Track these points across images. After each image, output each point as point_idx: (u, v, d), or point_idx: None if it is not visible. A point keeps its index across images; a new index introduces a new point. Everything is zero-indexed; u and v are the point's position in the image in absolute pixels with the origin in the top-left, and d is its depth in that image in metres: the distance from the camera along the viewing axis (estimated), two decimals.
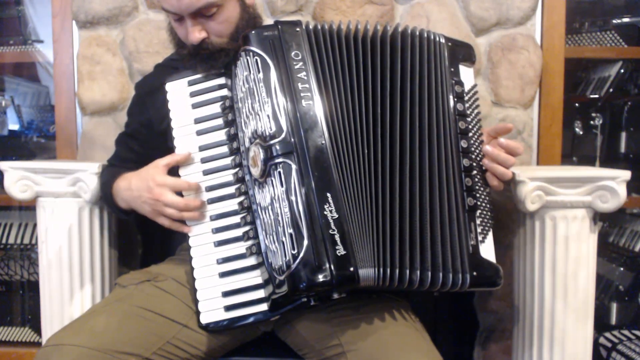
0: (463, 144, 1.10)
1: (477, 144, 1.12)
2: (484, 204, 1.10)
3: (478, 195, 1.10)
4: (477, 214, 1.09)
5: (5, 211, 2.14)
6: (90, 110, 1.82)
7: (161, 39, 1.78)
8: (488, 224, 1.10)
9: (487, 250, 1.09)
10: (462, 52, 1.16)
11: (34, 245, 2.05)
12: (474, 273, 1.05)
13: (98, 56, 1.80)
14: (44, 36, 2.09)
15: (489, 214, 1.11)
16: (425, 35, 1.12)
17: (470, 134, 1.11)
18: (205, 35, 1.13)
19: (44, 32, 2.10)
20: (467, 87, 1.14)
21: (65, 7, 1.84)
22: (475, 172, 1.10)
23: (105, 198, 1.31)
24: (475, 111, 1.14)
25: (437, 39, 1.13)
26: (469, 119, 1.12)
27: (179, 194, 1.13)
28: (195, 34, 1.12)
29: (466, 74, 1.16)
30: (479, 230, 1.08)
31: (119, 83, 1.80)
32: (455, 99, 1.11)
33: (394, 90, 1.07)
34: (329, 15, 1.76)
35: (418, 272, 1.02)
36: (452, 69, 1.13)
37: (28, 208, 2.08)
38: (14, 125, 2.24)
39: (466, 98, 1.13)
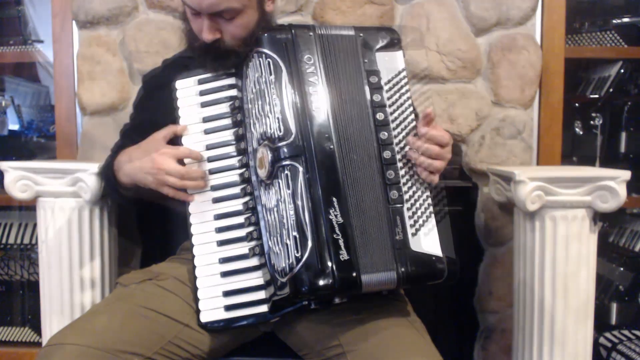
0: (382, 136, 1.06)
1: (404, 134, 1.08)
2: (417, 196, 1.06)
3: (407, 188, 1.06)
4: (408, 206, 1.05)
5: (5, 211, 2.13)
6: (90, 110, 1.82)
7: (161, 39, 1.78)
8: (425, 216, 1.06)
9: (423, 243, 1.04)
10: (380, 40, 1.12)
11: (34, 245, 2.05)
12: (402, 269, 1.01)
13: (98, 56, 1.80)
14: (44, 36, 2.09)
15: (425, 204, 1.06)
16: (336, 32, 1.10)
17: (395, 124, 1.08)
18: (219, 36, 1.13)
19: (44, 32, 2.10)
20: (388, 76, 1.10)
21: (65, 7, 1.83)
22: (401, 163, 1.06)
23: (107, 180, 1.27)
24: (403, 98, 1.10)
25: (347, 32, 1.11)
26: (391, 109, 1.08)
27: (182, 163, 1.13)
28: (209, 35, 1.12)
29: (388, 60, 1.11)
30: (409, 223, 1.04)
31: (119, 83, 1.80)
32: (371, 91, 1.08)
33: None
34: (329, 15, 1.76)
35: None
36: (366, 60, 1.10)
37: (28, 208, 2.08)
38: (14, 125, 2.23)
39: (386, 87, 1.09)
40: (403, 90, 1.11)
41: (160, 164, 1.10)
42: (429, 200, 1.07)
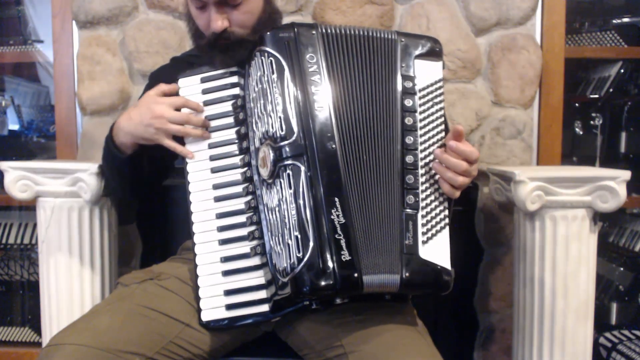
0: (408, 140, 1.05)
1: (431, 142, 1.07)
2: (434, 205, 1.06)
3: (424, 195, 1.05)
4: (423, 213, 1.04)
5: (5, 211, 2.14)
6: (90, 110, 1.82)
7: (161, 39, 1.78)
8: (439, 227, 1.05)
9: (433, 252, 1.03)
10: (420, 48, 1.12)
11: (34, 245, 2.05)
12: (406, 274, 1.00)
13: (98, 56, 1.80)
14: (44, 36, 2.09)
15: (441, 215, 1.06)
16: (375, 34, 1.10)
17: (422, 132, 1.07)
18: (228, 25, 1.13)
19: (44, 32, 2.10)
20: (423, 83, 1.10)
21: (65, 7, 1.84)
22: (423, 170, 1.06)
23: (106, 151, 1.24)
24: (435, 107, 1.09)
25: (388, 36, 1.11)
26: (421, 116, 1.08)
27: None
28: (219, 22, 1.12)
29: (425, 68, 1.11)
30: (422, 230, 1.03)
31: (119, 83, 1.81)
32: (403, 95, 1.08)
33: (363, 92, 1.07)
34: (329, 15, 1.76)
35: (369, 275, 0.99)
36: (403, 65, 1.10)
37: (28, 208, 2.08)
38: (14, 125, 2.24)
39: (420, 94, 1.09)
40: (437, 100, 1.10)
41: (160, 113, 1.11)
42: (446, 212, 1.06)
